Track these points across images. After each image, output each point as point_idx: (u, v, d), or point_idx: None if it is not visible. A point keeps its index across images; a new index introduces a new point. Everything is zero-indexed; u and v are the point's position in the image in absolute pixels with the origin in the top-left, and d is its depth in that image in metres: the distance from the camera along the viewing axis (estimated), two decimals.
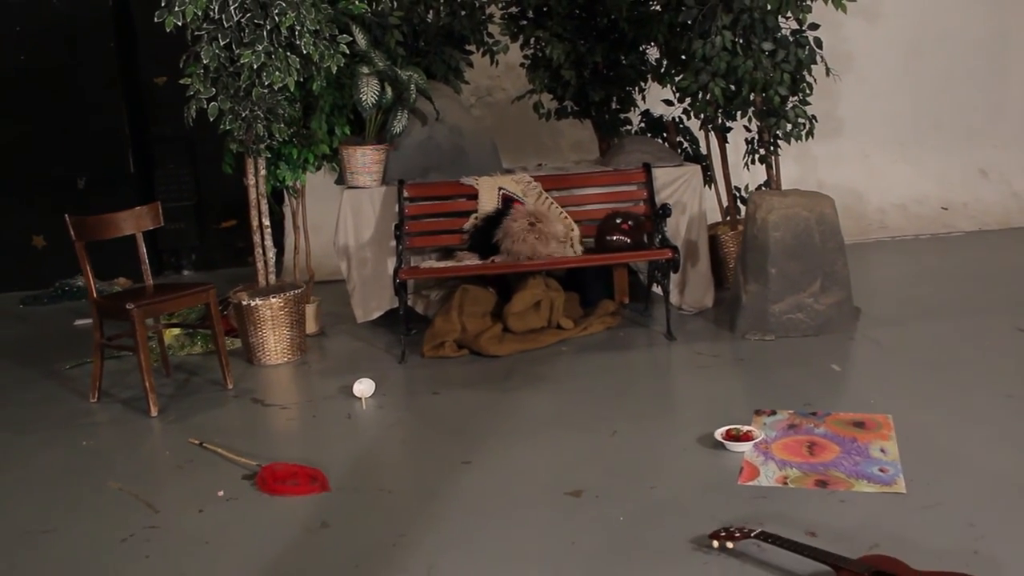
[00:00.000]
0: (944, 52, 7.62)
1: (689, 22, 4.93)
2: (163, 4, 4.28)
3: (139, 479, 3.39)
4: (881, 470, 3.02)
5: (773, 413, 3.56)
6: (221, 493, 3.18)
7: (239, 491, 3.19)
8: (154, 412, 4.03)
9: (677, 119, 5.77)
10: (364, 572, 2.60)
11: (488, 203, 5.01)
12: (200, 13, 4.25)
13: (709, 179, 5.73)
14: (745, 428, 3.30)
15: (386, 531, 2.86)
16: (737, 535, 2.52)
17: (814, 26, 4.95)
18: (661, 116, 5.93)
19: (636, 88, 5.92)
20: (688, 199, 5.17)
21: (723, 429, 3.31)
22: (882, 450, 3.17)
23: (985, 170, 7.71)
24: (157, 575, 2.68)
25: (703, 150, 5.87)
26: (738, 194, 5.63)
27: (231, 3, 4.19)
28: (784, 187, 5.47)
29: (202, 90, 4.41)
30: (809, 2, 4.85)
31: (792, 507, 2.79)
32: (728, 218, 5.67)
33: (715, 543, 2.53)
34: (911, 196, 7.58)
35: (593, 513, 2.86)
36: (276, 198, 5.42)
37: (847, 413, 3.50)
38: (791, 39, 4.89)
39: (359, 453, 3.56)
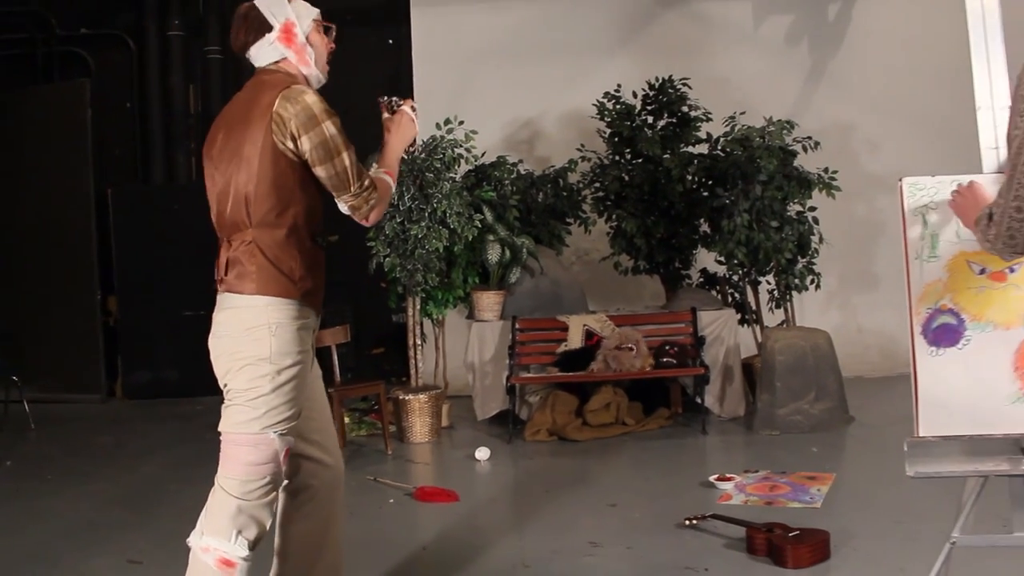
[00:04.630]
0: None
1: (724, 204, 6.87)
2: None
3: None
4: (810, 498, 4.68)
5: (756, 471, 5.25)
6: (392, 501, 5.06)
7: (403, 501, 5.07)
8: None
9: (726, 274, 7.62)
10: (480, 529, 4.44)
11: (575, 335, 6.93)
12: None
13: (749, 320, 7.50)
14: (729, 474, 5.02)
15: (494, 516, 4.72)
16: (700, 518, 4.25)
17: (812, 208, 6.82)
18: (715, 273, 7.79)
19: (691, 252, 7.82)
20: (726, 335, 6.97)
21: (715, 475, 5.03)
22: (818, 490, 4.83)
23: None
24: (373, 527, 4.56)
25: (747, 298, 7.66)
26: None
27: (405, 195, 6.35)
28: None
29: (382, 250, 6.53)
30: (809, 191, 6.73)
31: (745, 514, 4.48)
32: (761, 351, 7.39)
33: (687, 522, 4.26)
34: None
35: (622, 513, 4.64)
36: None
37: (806, 472, 5.17)
38: (795, 218, 6.75)
39: (479, 486, 5.44)
